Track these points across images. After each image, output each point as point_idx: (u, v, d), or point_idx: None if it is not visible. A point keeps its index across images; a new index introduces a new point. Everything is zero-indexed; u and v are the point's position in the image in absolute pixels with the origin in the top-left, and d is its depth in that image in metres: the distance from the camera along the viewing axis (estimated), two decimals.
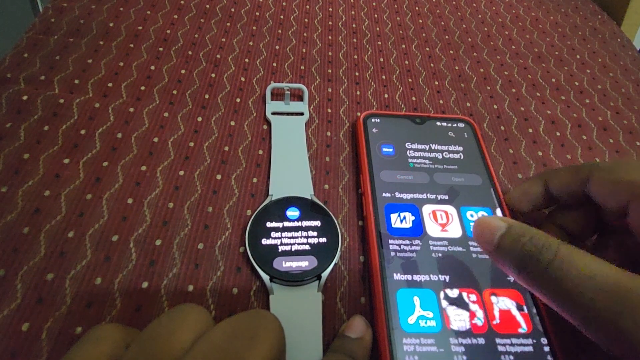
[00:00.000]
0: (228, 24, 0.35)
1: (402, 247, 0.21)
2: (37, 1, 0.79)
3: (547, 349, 0.18)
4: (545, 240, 0.15)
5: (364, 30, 0.37)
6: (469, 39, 0.38)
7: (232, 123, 0.27)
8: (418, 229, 0.21)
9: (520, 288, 0.20)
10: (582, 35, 0.41)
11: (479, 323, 0.18)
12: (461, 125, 0.27)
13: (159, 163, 0.24)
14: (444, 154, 0.25)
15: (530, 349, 0.18)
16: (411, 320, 0.18)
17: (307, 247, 0.21)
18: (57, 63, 0.29)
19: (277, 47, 0.34)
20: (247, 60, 0.32)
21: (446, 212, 0.22)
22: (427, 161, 0.25)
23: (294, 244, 0.21)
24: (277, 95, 0.29)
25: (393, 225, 0.21)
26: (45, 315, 0.18)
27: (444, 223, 0.22)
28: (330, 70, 0.33)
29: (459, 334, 0.18)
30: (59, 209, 0.22)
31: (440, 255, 0.21)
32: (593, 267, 0.14)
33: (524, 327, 0.19)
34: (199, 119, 0.27)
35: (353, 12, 0.39)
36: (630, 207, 0.18)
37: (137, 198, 0.23)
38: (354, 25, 0.38)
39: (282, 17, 0.37)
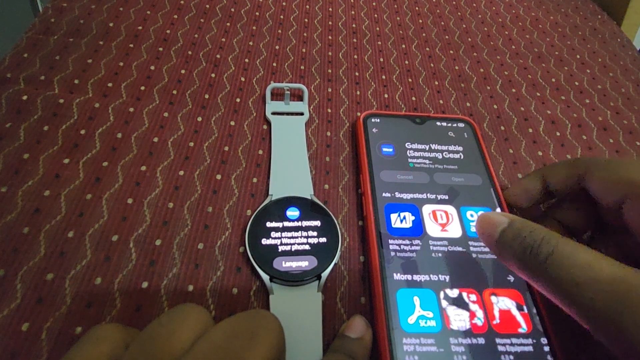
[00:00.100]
0: (228, 24, 0.35)
1: (402, 247, 0.21)
2: (37, 1, 0.79)
3: (547, 348, 0.18)
4: (544, 235, 0.15)
5: (364, 30, 0.37)
6: (469, 39, 0.38)
7: (232, 123, 0.27)
8: (418, 229, 0.21)
9: (520, 288, 0.20)
10: (582, 35, 0.41)
11: (479, 323, 0.18)
12: (461, 125, 0.27)
13: (159, 163, 0.24)
14: (444, 154, 0.25)
15: (530, 348, 0.18)
16: (411, 320, 0.18)
17: (307, 247, 0.21)
18: (57, 63, 0.29)
19: (277, 47, 0.34)
20: (247, 60, 0.32)
21: (446, 212, 0.22)
22: (427, 161, 0.25)
23: (294, 244, 0.21)
24: (277, 95, 0.29)
25: (393, 225, 0.21)
26: (45, 315, 0.18)
27: (444, 223, 0.22)
28: (330, 70, 0.33)
29: (459, 334, 0.18)
30: (58, 209, 0.22)
31: (440, 255, 0.21)
32: (591, 260, 0.14)
33: (524, 327, 0.19)
34: (199, 119, 0.27)
35: (353, 12, 0.39)
36: (625, 204, 0.18)
37: (137, 198, 0.23)
38: (354, 25, 0.38)
39: (282, 17, 0.37)
